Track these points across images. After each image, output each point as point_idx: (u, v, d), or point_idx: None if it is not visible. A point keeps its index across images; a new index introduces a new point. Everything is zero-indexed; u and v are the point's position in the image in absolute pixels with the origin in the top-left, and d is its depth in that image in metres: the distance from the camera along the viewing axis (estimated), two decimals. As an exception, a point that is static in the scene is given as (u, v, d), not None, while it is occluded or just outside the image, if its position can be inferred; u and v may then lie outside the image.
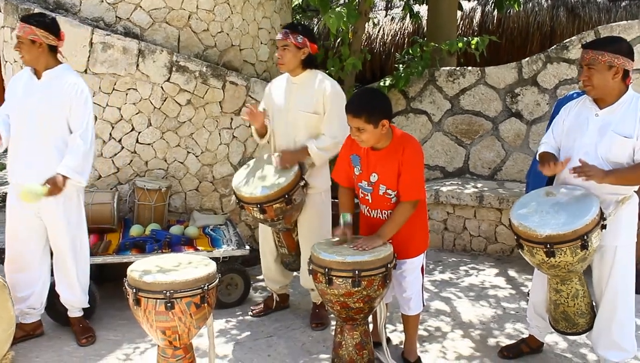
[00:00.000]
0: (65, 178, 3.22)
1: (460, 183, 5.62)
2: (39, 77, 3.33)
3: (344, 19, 4.85)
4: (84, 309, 3.60)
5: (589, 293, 2.98)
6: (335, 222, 3.36)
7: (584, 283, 2.94)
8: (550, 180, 3.88)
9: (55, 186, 3.17)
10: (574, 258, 2.71)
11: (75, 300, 3.54)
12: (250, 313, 3.96)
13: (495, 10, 8.41)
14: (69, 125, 3.33)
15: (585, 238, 2.66)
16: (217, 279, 2.86)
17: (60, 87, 3.31)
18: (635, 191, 2.90)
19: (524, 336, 3.48)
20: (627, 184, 2.79)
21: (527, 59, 5.70)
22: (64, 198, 3.35)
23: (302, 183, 3.45)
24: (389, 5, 9.86)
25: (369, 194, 3.06)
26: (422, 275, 3.22)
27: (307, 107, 3.49)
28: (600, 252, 2.88)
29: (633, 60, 2.78)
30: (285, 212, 3.42)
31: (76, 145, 3.29)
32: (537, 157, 3.14)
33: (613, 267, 2.87)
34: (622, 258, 2.86)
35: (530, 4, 8.90)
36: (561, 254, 2.70)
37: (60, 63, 3.39)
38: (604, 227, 2.75)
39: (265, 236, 3.87)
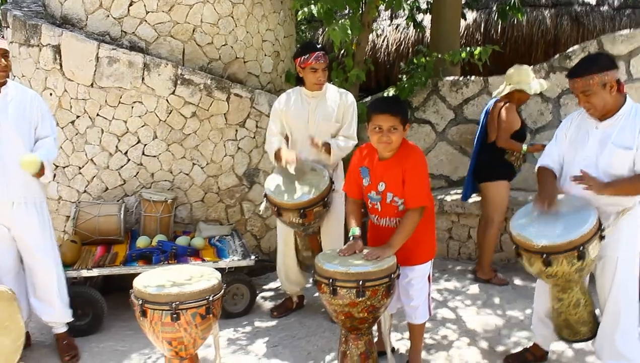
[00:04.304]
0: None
1: (464, 192, 5.62)
2: None
3: (348, 32, 4.88)
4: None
5: (591, 301, 2.99)
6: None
7: (586, 291, 2.95)
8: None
9: (41, 163, 3.20)
10: (571, 268, 2.72)
11: (58, 315, 3.51)
12: (273, 315, 4.10)
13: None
14: (35, 132, 3.40)
15: (581, 249, 2.68)
16: (222, 290, 2.90)
17: (22, 98, 3.36)
18: (639, 202, 2.92)
19: (529, 344, 3.49)
20: (626, 195, 2.81)
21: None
22: (35, 208, 3.37)
23: (333, 186, 3.74)
24: (394, 15, 9.91)
25: (378, 203, 3.11)
26: (429, 283, 3.25)
27: (330, 117, 3.82)
28: (602, 262, 2.90)
29: (618, 67, 2.82)
30: (322, 214, 3.73)
31: (51, 146, 3.39)
32: (535, 170, 3.17)
33: (615, 278, 2.88)
34: (624, 269, 2.87)
35: (534, 13, 8.91)
36: (558, 264, 2.72)
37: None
38: (602, 237, 2.76)
39: (286, 242, 4.02)
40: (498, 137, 4.55)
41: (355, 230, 3.09)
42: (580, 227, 2.71)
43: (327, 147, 3.75)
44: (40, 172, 3.22)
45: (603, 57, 2.86)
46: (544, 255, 2.72)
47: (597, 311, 3.07)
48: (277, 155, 3.77)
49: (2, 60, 3.25)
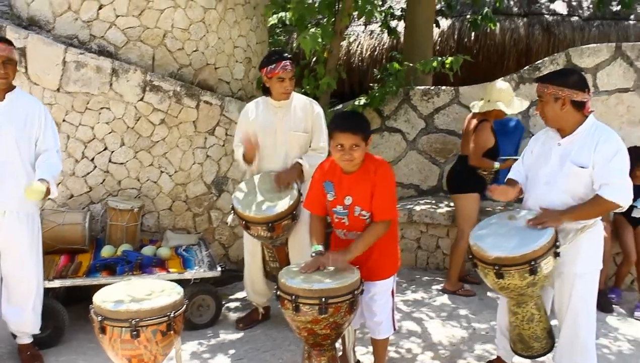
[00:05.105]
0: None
1: (434, 202, 5.66)
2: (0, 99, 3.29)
3: (319, 40, 4.87)
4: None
5: (546, 318, 3.03)
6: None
7: (541, 307, 2.99)
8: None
9: (47, 189, 3.17)
10: (523, 282, 2.77)
11: (28, 325, 3.47)
12: (238, 327, 4.07)
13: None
14: (37, 145, 3.36)
15: (533, 263, 2.72)
16: (184, 306, 2.86)
17: (27, 107, 3.32)
18: (601, 219, 2.97)
19: (492, 357, 3.52)
20: (585, 219, 2.85)
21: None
22: (27, 218, 3.35)
23: (301, 199, 3.64)
24: (368, 21, 9.92)
25: (345, 217, 3.07)
26: (393, 298, 3.24)
27: (298, 127, 3.75)
28: (560, 278, 2.94)
29: (584, 90, 2.84)
30: (290, 227, 3.69)
31: (56, 160, 3.37)
32: (505, 181, 3.21)
33: (572, 294, 2.92)
34: (582, 285, 2.91)
35: (507, 22, 9.01)
36: (510, 277, 2.78)
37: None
38: (557, 254, 2.80)
39: (253, 254, 3.99)
40: (470, 155, 4.58)
41: (317, 247, 3.08)
42: (534, 241, 2.75)
43: (297, 172, 3.73)
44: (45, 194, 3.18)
45: (572, 74, 2.91)
46: (496, 267, 2.77)
47: (554, 324, 3.10)
48: (246, 156, 3.74)
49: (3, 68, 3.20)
